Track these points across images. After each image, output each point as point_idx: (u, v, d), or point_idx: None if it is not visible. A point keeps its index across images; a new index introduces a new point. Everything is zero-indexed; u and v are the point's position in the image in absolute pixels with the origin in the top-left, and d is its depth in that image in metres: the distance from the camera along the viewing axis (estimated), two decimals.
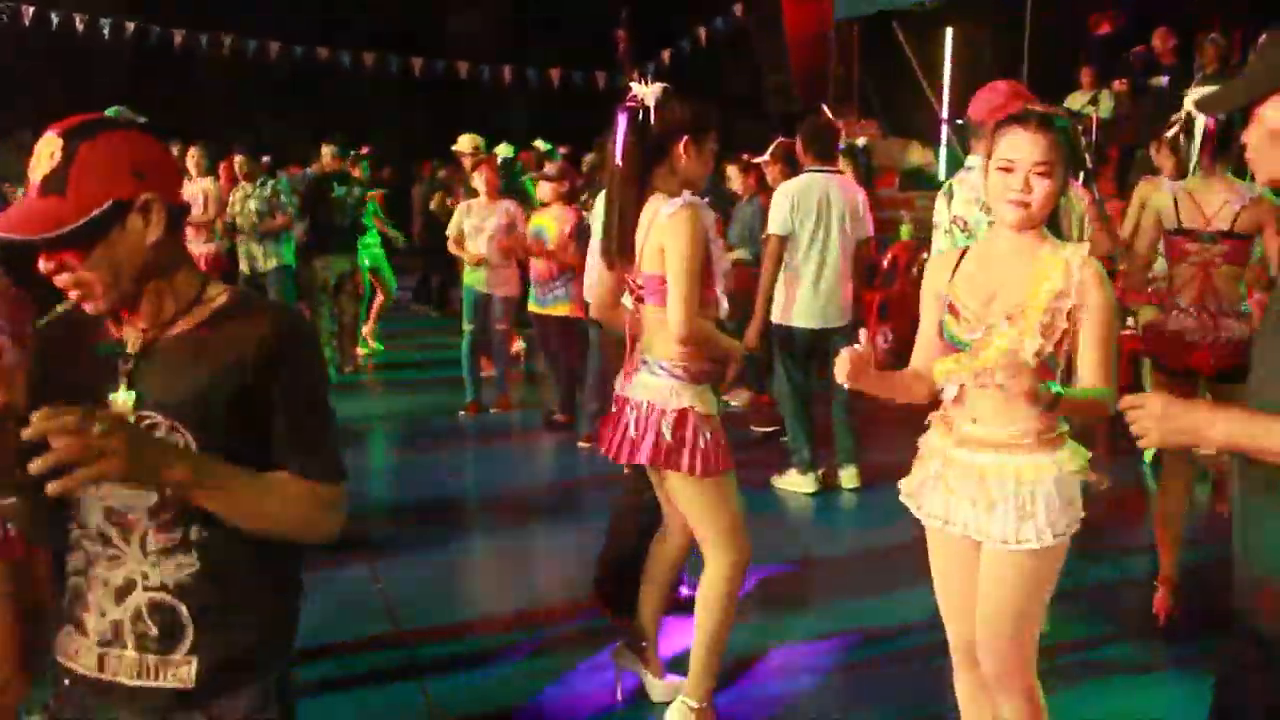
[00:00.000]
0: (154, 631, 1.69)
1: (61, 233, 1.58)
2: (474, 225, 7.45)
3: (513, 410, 7.76)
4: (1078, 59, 11.70)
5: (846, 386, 2.46)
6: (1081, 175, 2.74)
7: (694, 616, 3.33)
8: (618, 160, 3.19)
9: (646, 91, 3.14)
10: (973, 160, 3.87)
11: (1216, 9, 10.95)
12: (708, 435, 3.15)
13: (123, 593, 1.69)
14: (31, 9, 14.61)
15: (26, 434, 1.42)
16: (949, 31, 12.81)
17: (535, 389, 8.26)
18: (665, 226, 3.07)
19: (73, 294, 1.65)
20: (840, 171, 5.98)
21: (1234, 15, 10.98)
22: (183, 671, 1.69)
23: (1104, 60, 11.32)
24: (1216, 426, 1.83)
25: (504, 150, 9.72)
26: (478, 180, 7.59)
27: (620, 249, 3.22)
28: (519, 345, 9.19)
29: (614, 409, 3.34)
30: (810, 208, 5.64)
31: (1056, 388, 2.34)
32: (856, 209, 5.74)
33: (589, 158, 8.52)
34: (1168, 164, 4.61)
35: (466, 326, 7.65)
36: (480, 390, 7.75)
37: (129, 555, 1.69)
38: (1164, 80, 9.43)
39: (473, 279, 7.56)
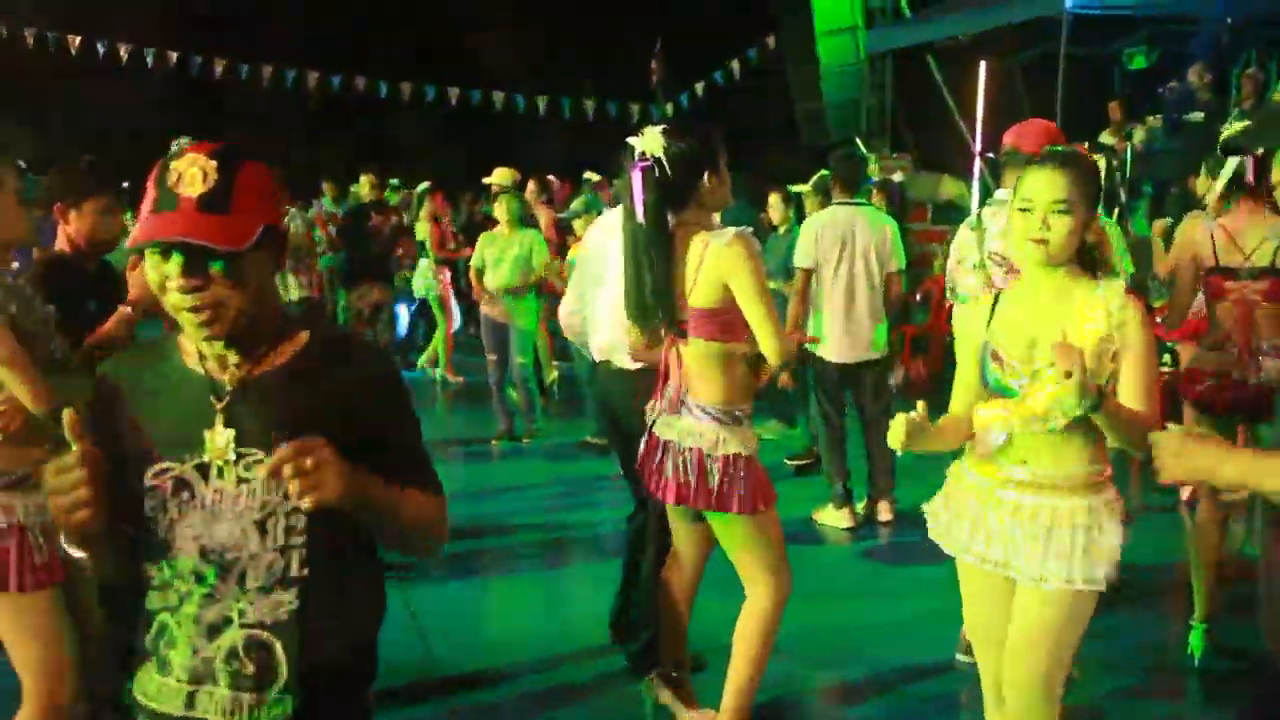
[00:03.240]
0: (249, 669, 1.66)
1: (245, 248, 1.56)
2: (494, 256, 7.54)
3: (545, 438, 7.78)
4: (1111, 93, 11.68)
5: (899, 452, 2.49)
6: (1116, 210, 2.76)
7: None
8: (640, 218, 3.12)
9: (651, 144, 3.07)
10: (1002, 193, 3.90)
11: (1253, 43, 10.91)
12: (752, 474, 3.14)
13: (215, 630, 1.67)
14: (78, 39, 14.94)
15: (267, 465, 1.49)
16: (983, 65, 12.80)
17: (569, 418, 8.27)
18: (723, 259, 3.02)
19: (200, 316, 1.59)
20: (863, 203, 5.88)
21: (1271, 50, 10.94)
22: (277, 710, 1.67)
23: (1139, 95, 11.28)
24: (1226, 466, 1.86)
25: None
26: (499, 210, 7.68)
27: (661, 301, 3.16)
28: (553, 375, 9.22)
29: (650, 446, 3.30)
30: (834, 240, 5.64)
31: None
32: (884, 241, 5.71)
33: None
34: (1213, 197, 4.54)
35: (490, 357, 7.71)
36: (511, 419, 7.79)
37: (226, 593, 1.67)
38: (1200, 115, 9.39)
39: (491, 310, 7.63)
